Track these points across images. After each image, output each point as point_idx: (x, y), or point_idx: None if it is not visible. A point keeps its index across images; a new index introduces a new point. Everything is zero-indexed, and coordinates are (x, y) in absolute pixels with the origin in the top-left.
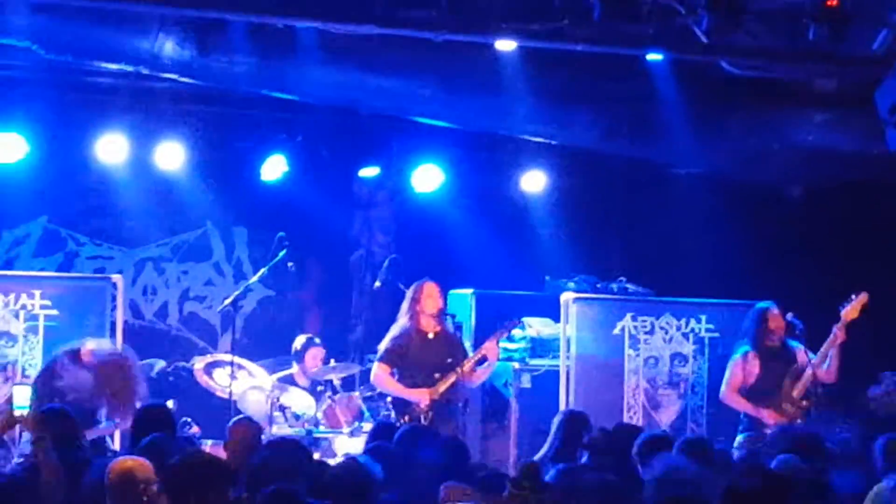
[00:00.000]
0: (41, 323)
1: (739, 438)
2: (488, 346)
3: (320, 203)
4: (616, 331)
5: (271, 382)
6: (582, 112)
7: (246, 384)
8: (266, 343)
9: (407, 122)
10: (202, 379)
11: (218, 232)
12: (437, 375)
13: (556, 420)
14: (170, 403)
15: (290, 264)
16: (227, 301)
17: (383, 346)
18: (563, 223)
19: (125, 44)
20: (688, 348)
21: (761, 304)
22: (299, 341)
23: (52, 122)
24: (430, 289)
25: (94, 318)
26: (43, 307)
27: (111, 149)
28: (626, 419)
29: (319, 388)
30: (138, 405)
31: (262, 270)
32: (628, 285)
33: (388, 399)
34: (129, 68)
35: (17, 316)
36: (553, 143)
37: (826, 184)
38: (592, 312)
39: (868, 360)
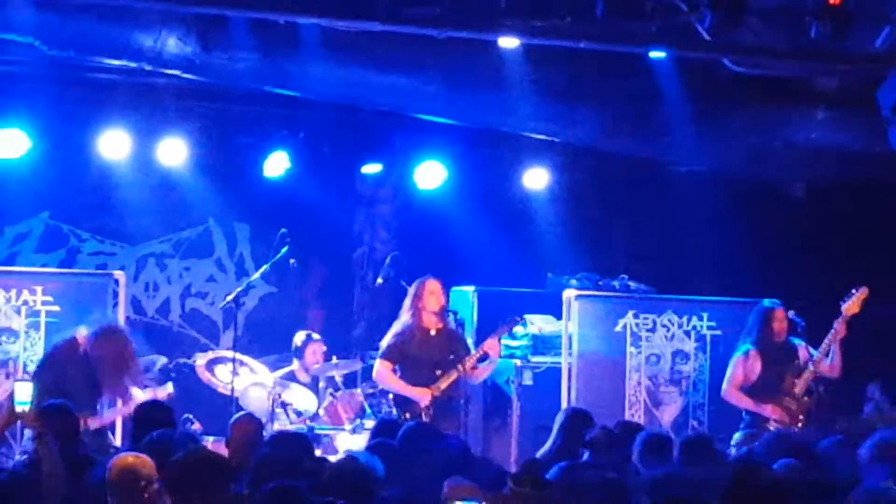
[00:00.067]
0: (42, 319)
1: (737, 436)
2: (490, 344)
3: (322, 200)
4: (618, 328)
5: (273, 379)
6: (584, 109)
7: (248, 381)
8: (268, 340)
9: (409, 119)
10: (204, 375)
11: (220, 228)
12: (438, 372)
13: (558, 417)
14: (168, 387)
15: (292, 261)
16: (229, 297)
17: (385, 342)
18: (566, 220)
19: (127, 40)
20: (689, 346)
21: (766, 303)
22: (299, 337)
23: (54, 118)
24: (433, 286)
25: (95, 315)
26: (44, 303)
27: (113, 145)
28: (627, 416)
29: (321, 384)
30: (136, 377)
31: (264, 267)
32: (630, 283)
33: (390, 396)
34: (132, 64)
35: (18, 312)
36: (555, 140)
37: (828, 182)
38: (594, 310)
39: (869, 357)
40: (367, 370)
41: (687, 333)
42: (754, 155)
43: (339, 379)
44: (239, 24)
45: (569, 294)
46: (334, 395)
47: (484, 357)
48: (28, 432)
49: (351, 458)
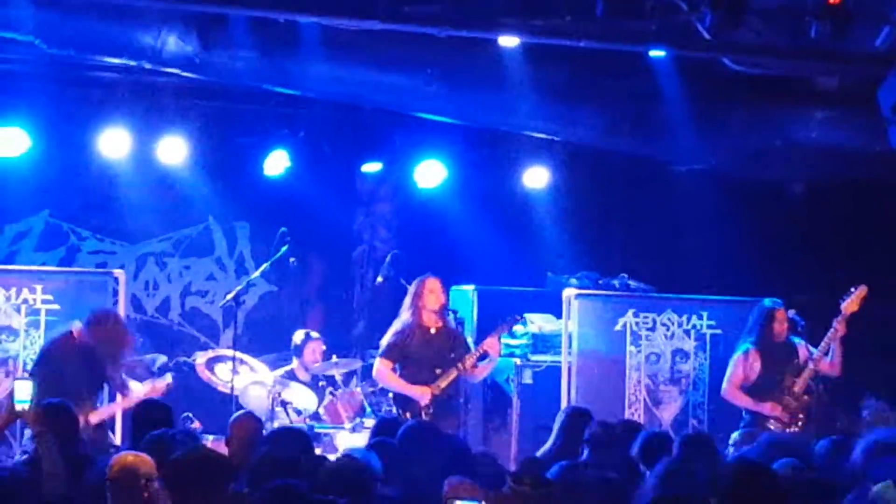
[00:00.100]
0: (42, 317)
1: (735, 435)
2: (490, 342)
3: (322, 198)
4: (618, 327)
5: (273, 378)
6: (584, 108)
7: (247, 379)
8: (268, 338)
9: (409, 118)
10: (204, 374)
11: (220, 227)
12: (438, 371)
13: (559, 417)
14: (167, 377)
15: (291, 259)
16: (229, 296)
17: (385, 341)
18: (566, 219)
19: (128, 38)
20: (689, 345)
21: (768, 303)
22: (298, 336)
23: (54, 117)
24: (433, 284)
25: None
26: (44, 302)
27: (113, 143)
28: (627, 415)
29: (321, 383)
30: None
31: (264, 266)
32: (630, 282)
33: (390, 395)
34: (132, 63)
35: (18, 310)
36: (555, 139)
37: (828, 181)
38: (594, 309)
39: (869, 356)
40: (367, 369)
41: (687, 332)
42: (754, 154)
43: (338, 378)
44: (239, 23)
45: (569, 293)
46: (334, 393)
47: (484, 356)
48: (28, 431)
49: (347, 456)
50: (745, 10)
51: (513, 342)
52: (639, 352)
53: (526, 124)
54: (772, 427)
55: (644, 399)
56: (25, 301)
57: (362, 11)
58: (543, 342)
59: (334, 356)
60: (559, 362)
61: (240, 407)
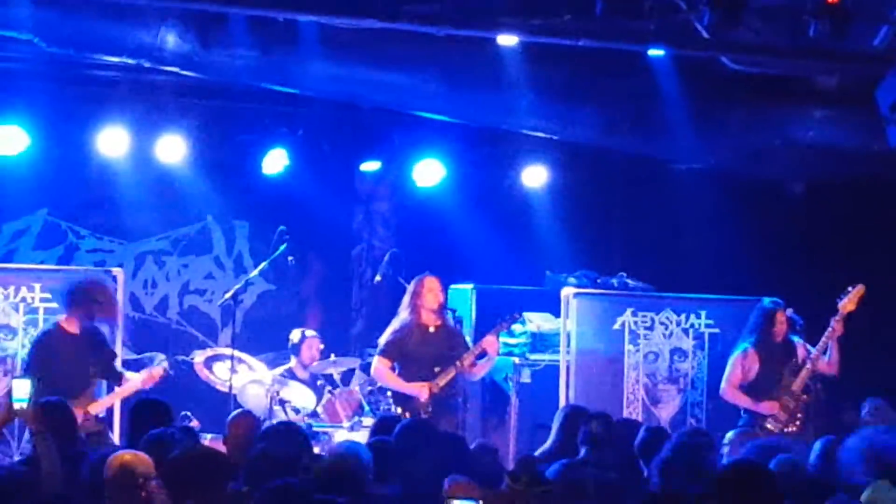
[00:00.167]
0: (41, 316)
1: (730, 435)
2: (488, 341)
3: (321, 197)
4: (616, 326)
5: (271, 376)
6: (583, 107)
7: (246, 378)
8: (266, 337)
9: (408, 117)
10: (202, 373)
11: (218, 225)
12: (437, 369)
13: (557, 415)
14: (164, 363)
15: (290, 258)
16: (228, 295)
17: (384, 340)
18: (564, 218)
19: (127, 37)
20: (687, 344)
21: (768, 303)
22: (295, 335)
23: (53, 115)
24: (431, 283)
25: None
26: (43, 300)
27: (112, 142)
28: (625, 414)
29: (319, 382)
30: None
31: (263, 264)
32: (628, 280)
33: (389, 393)
34: (131, 61)
35: (16, 309)
36: (554, 138)
37: (827, 180)
38: (593, 307)
39: (867, 357)
40: (366, 367)
41: (685, 331)
42: (753, 153)
43: (337, 376)
44: (238, 22)
45: (567, 292)
46: (332, 392)
47: (482, 354)
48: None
49: (339, 455)
50: (744, 9)
51: (511, 341)
52: (637, 351)
53: (525, 123)
54: (770, 427)
55: (642, 398)
56: (24, 299)
57: (361, 10)
58: (542, 341)
59: (333, 355)
60: (557, 361)
61: (238, 406)
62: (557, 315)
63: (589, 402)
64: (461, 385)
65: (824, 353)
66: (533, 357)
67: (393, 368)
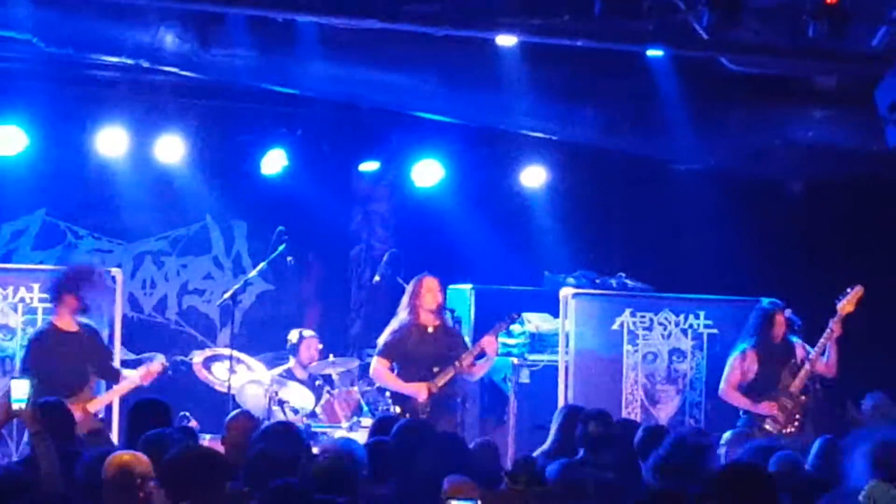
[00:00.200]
0: (39, 316)
1: (727, 435)
2: (487, 341)
3: (320, 197)
4: (615, 326)
5: (270, 377)
6: (582, 108)
7: (244, 378)
8: (265, 337)
9: (407, 117)
10: (201, 373)
11: (217, 226)
12: (435, 370)
13: (557, 415)
14: (160, 358)
15: (289, 258)
16: (227, 295)
17: (382, 340)
18: (563, 219)
19: (126, 37)
20: (686, 344)
21: (768, 304)
22: (293, 335)
23: (51, 115)
24: (430, 283)
25: (92, 312)
26: (41, 300)
27: (111, 142)
28: (624, 414)
29: (318, 382)
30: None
31: (262, 264)
32: (627, 281)
33: (387, 393)
34: (130, 61)
35: (15, 309)
36: (553, 138)
37: (826, 180)
38: (591, 308)
39: (866, 356)
40: (365, 368)
41: (684, 332)
42: (752, 153)
43: (335, 377)
44: (237, 22)
45: (566, 292)
46: (331, 392)
47: (481, 354)
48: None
49: (329, 452)
50: (743, 9)
51: (510, 341)
52: (636, 351)
53: (524, 123)
54: (768, 427)
55: (641, 398)
56: (22, 300)
57: (361, 10)
58: (541, 341)
59: (331, 355)
60: (556, 361)
61: (237, 406)
62: (556, 315)
63: (588, 402)
64: (460, 385)
65: (822, 354)
66: (532, 357)
67: (392, 369)
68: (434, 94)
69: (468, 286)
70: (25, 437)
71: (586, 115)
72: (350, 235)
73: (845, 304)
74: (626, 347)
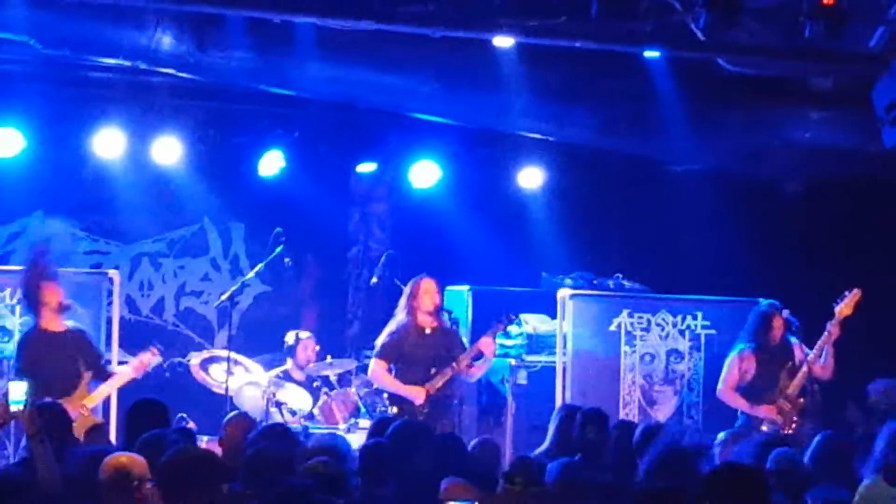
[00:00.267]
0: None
1: (721, 435)
2: (485, 342)
3: (317, 199)
4: (612, 327)
5: (267, 378)
6: (579, 109)
7: (242, 380)
8: (262, 339)
9: (404, 118)
10: (198, 375)
11: (215, 227)
12: (433, 371)
13: (554, 416)
14: (153, 351)
15: (286, 260)
16: (224, 297)
17: (380, 341)
18: (561, 220)
19: (123, 38)
20: (684, 345)
21: (766, 306)
22: (290, 337)
23: (48, 117)
24: (428, 285)
25: (89, 313)
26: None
27: (108, 143)
28: (622, 416)
29: (316, 383)
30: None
31: (259, 266)
32: (625, 282)
33: (385, 395)
34: (127, 63)
35: (12, 311)
36: (551, 139)
37: (823, 181)
38: (589, 309)
39: (864, 356)
40: (362, 369)
41: (681, 332)
42: (750, 154)
43: (333, 378)
44: (234, 23)
45: (563, 293)
46: (329, 394)
47: (478, 356)
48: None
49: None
50: (740, 10)
51: (507, 342)
52: (633, 352)
53: (521, 124)
54: (766, 429)
55: (638, 399)
56: (20, 301)
57: (357, 12)
58: (538, 342)
59: (329, 356)
60: (554, 363)
61: (234, 407)
62: (554, 316)
63: (585, 403)
64: (458, 387)
65: (819, 356)
66: (529, 358)
67: (390, 370)
68: (431, 95)
69: (465, 287)
70: (23, 442)
71: (583, 115)
72: (347, 237)
73: (843, 307)
74: (624, 348)
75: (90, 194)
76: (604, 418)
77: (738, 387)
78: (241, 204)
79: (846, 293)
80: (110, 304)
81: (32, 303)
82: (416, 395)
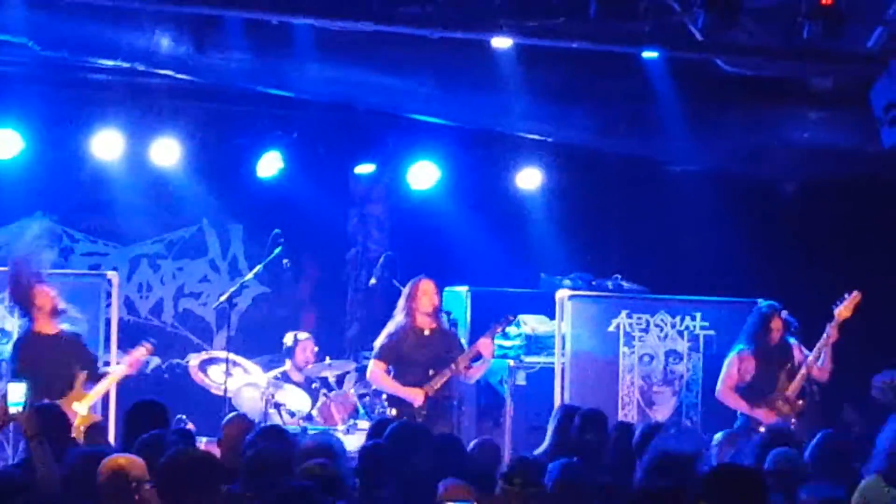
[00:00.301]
0: None
1: (718, 436)
2: (483, 343)
3: (316, 200)
4: (611, 328)
5: (266, 379)
6: (578, 109)
7: (241, 381)
8: (261, 340)
9: (403, 119)
10: (197, 376)
11: (213, 229)
12: (431, 372)
13: (553, 416)
14: (145, 345)
15: (285, 261)
16: (223, 298)
17: (379, 343)
18: (559, 220)
19: (121, 40)
20: (682, 346)
21: (766, 307)
22: (288, 338)
23: (47, 119)
24: (427, 286)
25: (88, 315)
26: None
27: (107, 145)
28: (620, 416)
29: (314, 385)
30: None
31: (258, 267)
32: (623, 283)
33: (384, 396)
34: (125, 64)
35: (11, 312)
36: (549, 140)
37: (821, 181)
38: (588, 310)
39: (862, 356)
40: (361, 370)
41: (680, 333)
42: (748, 154)
43: (332, 379)
44: (232, 25)
45: (562, 294)
46: (327, 395)
47: (477, 357)
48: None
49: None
50: (738, 10)
51: (506, 343)
52: (632, 353)
53: (519, 125)
54: (763, 431)
55: (637, 400)
56: (11, 309)
57: (356, 13)
58: (537, 343)
59: (328, 358)
60: (552, 363)
61: (233, 409)
62: (552, 317)
63: (584, 404)
64: (456, 388)
65: (818, 358)
66: (528, 359)
67: (388, 371)
68: (430, 96)
69: (464, 288)
70: (22, 444)
71: (582, 116)
72: (346, 238)
73: (843, 310)
74: (623, 349)
75: (89, 196)
76: (602, 419)
77: (738, 387)
78: (240, 205)
79: (846, 295)
80: (109, 305)
81: (25, 308)
82: (415, 396)
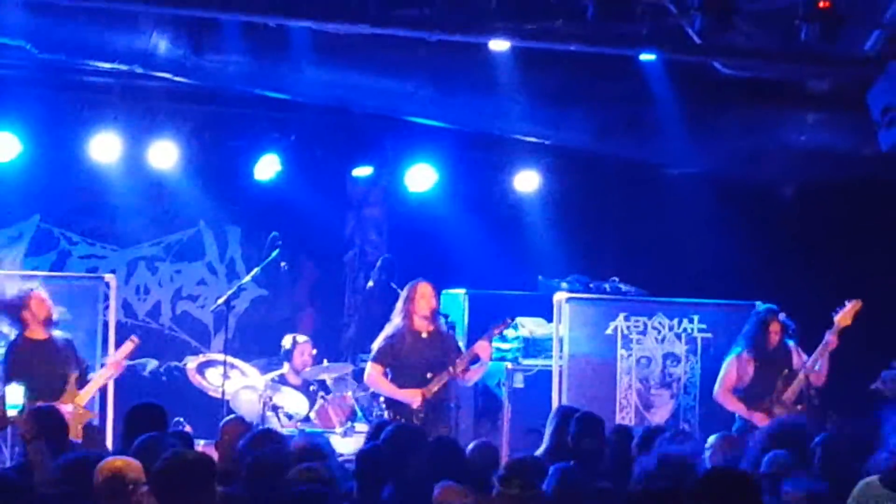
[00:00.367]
0: None
1: (712, 439)
2: (481, 346)
3: (313, 202)
4: (609, 331)
5: (264, 382)
6: (575, 112)
7: (238, 384)
8: (259, 343)
9: (400, 122)
10: (195, 378)
11: (211, 231)
12: (429, 375)
13: (551, 418)
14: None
15: (283, 264)
16: (220, 300)
17: (376, 345)
18: (557, 223)
19: (119, 43)
20: (680, 348)
21: (764, 310)
22: (286, 341)
23: (45, 121)
24: (424, 289)
25: (86, 318)
26: None
27: (104, 148)
28: (618, 419)
29: (312, 387)
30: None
31: (255, 270)
32: (621, 285)
33: (381, 399)
34: (123, 67)
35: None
36: (546, 143)
37: (819, 183)
38: (585, 312)
39: (861, 357)
40: (359, 373)
41: (678, 336)
42: (745, 157)
43: (329, 382)
44: (230, 28)
45: (560, 297)
46: (325, 398)
47: (475, 359)
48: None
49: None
50: (735, 13)
51: (504, 346)
52: (630, 355)
53: (517, 128)
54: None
55: (635, 403)
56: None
57: (353, 16)
58: (534, 346)
59: (325, 360)
60: (550, 366)
61: (231, 411)
62: (550, 320)
63: (582, 407)
64: (454, 390)
65: (815, 365)
66: (525, 362)
67: (386, 374)
68: (427, 98)
69: (462, 291)
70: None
71: (580, 119)
72: (344, 240)
73: (842, 317)
74: (620, 352)
75: (86, 198)
76: (599, 423)
77: (736, 390)
78: (238, 208)
79: (846, 303)
80: (107, 308)
81: (14, 317)
82: (413, 398)
